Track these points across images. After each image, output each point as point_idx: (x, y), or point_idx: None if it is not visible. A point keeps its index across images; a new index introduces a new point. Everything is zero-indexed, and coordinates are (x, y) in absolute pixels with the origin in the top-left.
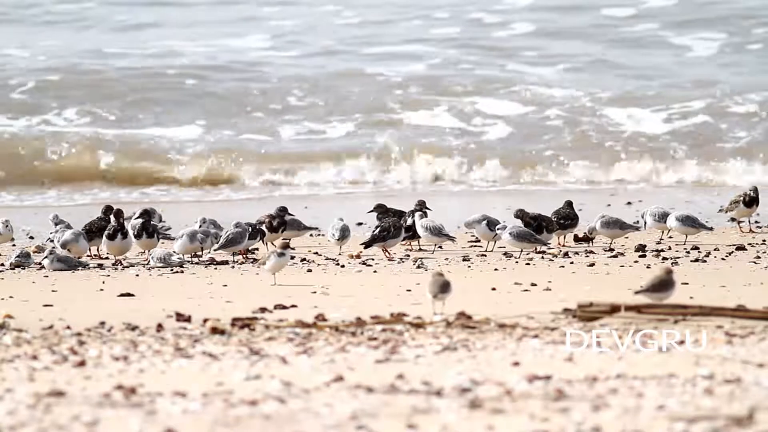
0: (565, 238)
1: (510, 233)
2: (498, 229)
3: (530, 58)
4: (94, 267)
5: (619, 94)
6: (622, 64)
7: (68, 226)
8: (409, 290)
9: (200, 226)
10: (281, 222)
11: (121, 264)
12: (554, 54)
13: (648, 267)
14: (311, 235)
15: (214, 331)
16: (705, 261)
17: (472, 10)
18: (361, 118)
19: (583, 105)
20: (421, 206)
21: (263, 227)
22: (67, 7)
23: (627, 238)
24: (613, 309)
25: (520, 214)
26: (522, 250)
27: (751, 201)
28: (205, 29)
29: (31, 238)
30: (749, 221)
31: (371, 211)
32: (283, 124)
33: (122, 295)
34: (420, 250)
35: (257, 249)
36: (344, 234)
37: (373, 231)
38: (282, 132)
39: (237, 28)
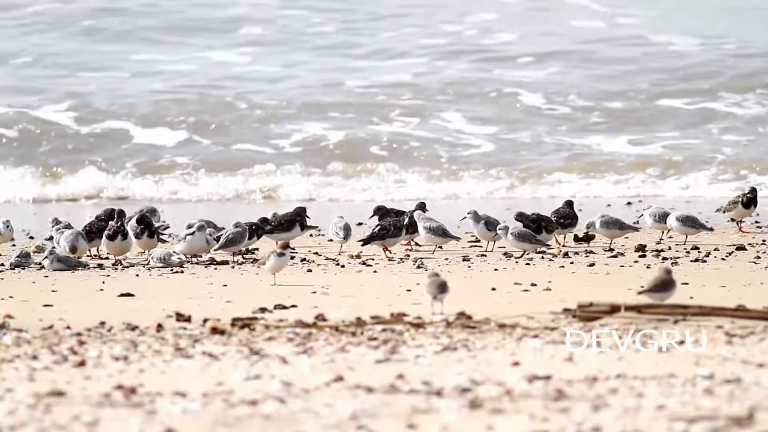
0: (565, 238)
1: (512, 233)
2: (499, 229)
3: (515, 67)
4: (94, 267)
5: (604, 102)
6: (605, 69)
7: (68, 226)
8: (409, 290)
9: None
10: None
11: (121, 264)
12: (537, 63)
13: (648, 267)
14: (311, 235)
15: (214, 331)
16: (705, 261)
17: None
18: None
19: (568, 116)
20: (422, 207)
21: (297, 225)
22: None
23: (627, 238)
24: (613, 309)
25: (520, 217)
26: (524, 252)
27: (749, 202)
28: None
29: (31, 238)
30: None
31: (372, 215)
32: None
33: (122, 295)
34: (417, 247)
35: (257, 249)
36: (348, 233)
37: (373, 229)
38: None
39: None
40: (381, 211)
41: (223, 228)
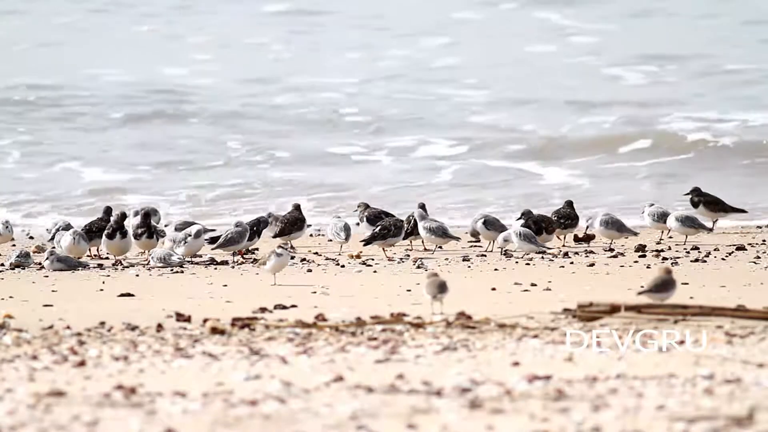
0: (565, 237)
1: (515, 233)
2: (505, 239)
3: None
4: (94, 267)
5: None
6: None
7: (67, 227)
8: (409, 290)
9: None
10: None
11: (121, 264)
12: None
13: (648, 267)
14: (311, 235)
15: (214, 331)
16: (705, 261)
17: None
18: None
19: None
20: (422, 208)
21: (304, 223)
22: None
23: (627, 238)
24: (613, 309)
25: (526, 214)
26: (524, 254)
27: (694, 204)
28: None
29: (31, 238)
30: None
31: (356, 209)
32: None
33: (122, 295)
34: (426, 250)
35: (257, 249)
36: (348, 233)
37: (374, 229)
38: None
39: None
40: (364, 206)
41: (214, 230)
